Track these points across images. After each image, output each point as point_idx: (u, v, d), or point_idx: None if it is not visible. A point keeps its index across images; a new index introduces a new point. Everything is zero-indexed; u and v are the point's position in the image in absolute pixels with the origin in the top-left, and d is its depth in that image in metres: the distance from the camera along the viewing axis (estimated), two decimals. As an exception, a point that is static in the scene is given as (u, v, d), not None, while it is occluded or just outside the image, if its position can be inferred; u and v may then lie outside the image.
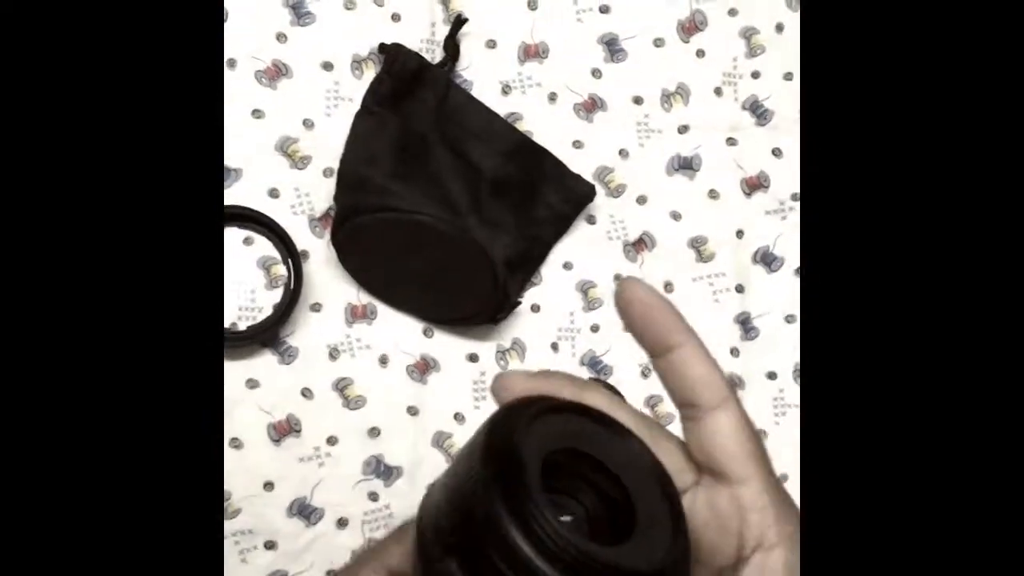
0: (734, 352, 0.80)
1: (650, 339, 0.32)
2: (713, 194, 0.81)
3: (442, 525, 0.28)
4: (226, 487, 0.73)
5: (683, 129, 0.80)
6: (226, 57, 0.74)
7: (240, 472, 0.74)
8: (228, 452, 0.73)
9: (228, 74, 0.74)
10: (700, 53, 0.81)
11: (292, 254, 0.73)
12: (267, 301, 0.74)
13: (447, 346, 0.77)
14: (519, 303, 0.76)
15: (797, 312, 0.80)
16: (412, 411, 0.76)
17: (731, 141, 0.81)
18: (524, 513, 0.26)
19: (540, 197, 0.76)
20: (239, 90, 0.74)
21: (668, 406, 0.79)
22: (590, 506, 0.30)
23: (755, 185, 0.81)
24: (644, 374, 0.79)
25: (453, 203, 0.72)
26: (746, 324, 0.81)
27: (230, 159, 0.74)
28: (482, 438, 0.28)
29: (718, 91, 0.81)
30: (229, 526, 0.73)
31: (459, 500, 0.28)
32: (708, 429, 0.31)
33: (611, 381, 0.78)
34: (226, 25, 0.74)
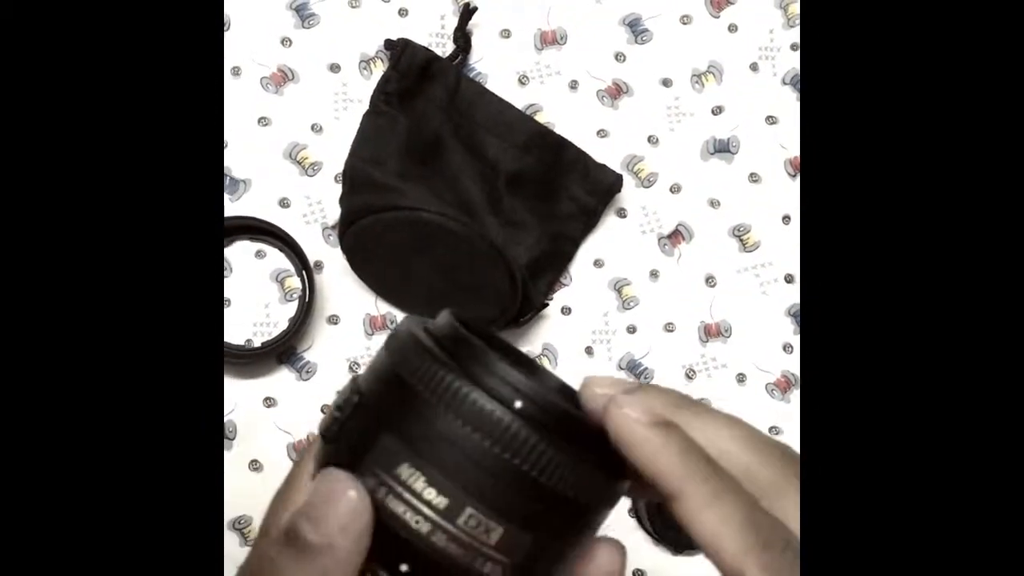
0: (787, 348, 0.73)
1: (648, 480, 0.27)
2: (754, 178, 0.74)
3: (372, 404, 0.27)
4: (247, 512, 0.70)
5: (717, 110, 0.74)
6: (230, 65, 0.72)
7: (262, 495, 0.70)
8: (248, 475, 0.70)
9: (233, 82, 0.72)
10: (732, 28, 0.75)
11: (305, 265, 0.70)
12: (282, 315, 0.71)
13: (473, 355, 0.72)
14: (546, 305, 0.71)
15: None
16: (439, 425, 0.71)
17: (771, 120, 0.74)
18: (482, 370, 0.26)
19: (562, 191, 0.71)
20: (245, 98, 0.72)
21: (716, 410, 0.72)
22: None
23: (800, 165, 0.74)
24: (689, 376, 0.73)
25: (469, 203, 0.68)
26: (799, 317, 0.74)
27: (238, 170, 0.71)
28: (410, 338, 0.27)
29: (754, 67, 0.75)
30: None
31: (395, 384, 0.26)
32: None
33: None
34: (229, 32, 0.72)
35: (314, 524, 0.26)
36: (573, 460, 0.25)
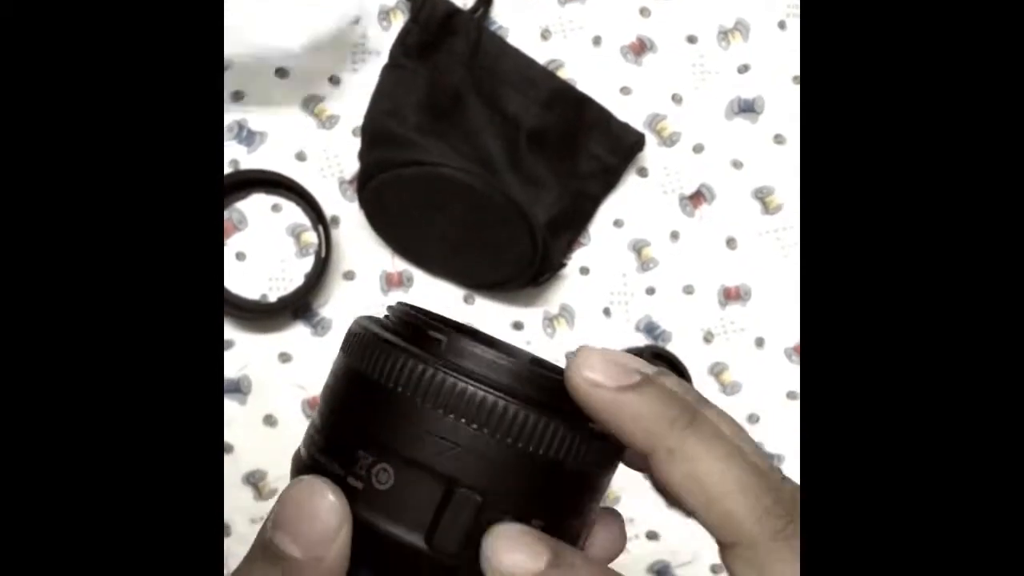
0: (807, 313, 0.72)
1: (628, 444, 0.26)
2: (779, 139, 0.73)
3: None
4: (261, 466, 0.70)
5: (743, 69, 0.73)
6: (247, 14, 0.70)
7: (275, 451, 0.70)
8: (263, 430, 0.70)
9: (250, 32, 0.70)
10: (761, -16, 0.73)
11: (322, 220, 0.69)
12: (298, 270, 0.70)
13: (489, 313, 0.71)
14: (564, 265, 0.70)
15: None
16: (454, 384, 0.71)
17: (798, 80, 0.73)
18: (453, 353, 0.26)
19: (583, 149, 0.70)
20: (261, 49, 0.70)
21: (733, 374, 0.72)
22: None
23: (827, 127, 0.73)
24: (707, 339, 0.72)
25: (489, 160, 0.67)
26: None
27: (254, 122, 0.70)
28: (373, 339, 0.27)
29: (782, 24, 0.73)
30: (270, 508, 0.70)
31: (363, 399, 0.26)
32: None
33: (670, 348, 0.72)
34: (246, -20, 0.70)
35: (294, 538, 0.24)
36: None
